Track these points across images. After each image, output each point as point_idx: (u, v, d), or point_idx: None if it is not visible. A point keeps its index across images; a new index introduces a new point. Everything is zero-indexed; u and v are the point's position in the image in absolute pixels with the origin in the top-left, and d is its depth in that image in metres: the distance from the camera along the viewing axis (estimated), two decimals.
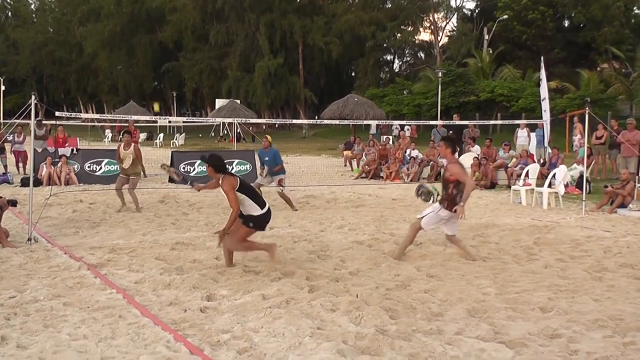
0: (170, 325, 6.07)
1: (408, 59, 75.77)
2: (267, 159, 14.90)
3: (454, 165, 8.97)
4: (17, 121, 11.98)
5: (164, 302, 6.83)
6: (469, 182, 8.81)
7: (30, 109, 10.17)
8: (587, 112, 14.49)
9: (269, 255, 8.41)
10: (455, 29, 65.87)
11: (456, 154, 9.32)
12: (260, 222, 8.30)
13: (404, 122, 37.47)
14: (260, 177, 15.34)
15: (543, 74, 22.92)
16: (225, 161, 19.09)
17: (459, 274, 8.22)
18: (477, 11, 64.79)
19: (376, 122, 36.43)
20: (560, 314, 6.48)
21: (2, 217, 10.09)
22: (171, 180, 10.13)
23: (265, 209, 8.28)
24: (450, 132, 24.83)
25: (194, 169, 20.25)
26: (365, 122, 36.91)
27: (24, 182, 18.10)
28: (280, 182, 14.57)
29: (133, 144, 14.51)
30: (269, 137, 15.37)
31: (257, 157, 21.69)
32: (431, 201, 9.35)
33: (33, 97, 10.07)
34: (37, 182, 18.32)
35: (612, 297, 7.19)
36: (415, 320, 6.24)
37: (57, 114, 12.49)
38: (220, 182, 8.20)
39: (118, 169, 19.13)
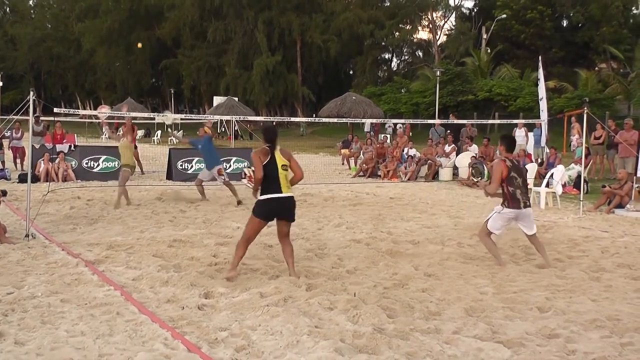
0: (168, 322, 6.07)
1: (406, 57, 75.70)
2: (200, 146, 15.28)
3: (497, 162, 8.87)
4: (15, 117, 11.97)
5: (162, 299, 6.83)
6: (491, 187, 8.76)
7: (29, 105, 10.16)
8: (585, 112, 14.50)
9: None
10: (453, 27, 65.88)
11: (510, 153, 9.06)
12: (259, 208, 7.76)
13: (397, 121, 37.46)
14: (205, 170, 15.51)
15: (541, 73, 22.93)
16: (224, 158, 19.19)
17: (457, 273, 8.23)
18: (475, 10, 64.77)
19: (370, 120, 36.37)
20: (558, 314, 6.49)
21: None
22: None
23: (267, 196, 7.70)
24: (448, 131, 24.88)
25: (192, 166, 20.22)
26: (362, 120, 36.84)
27: (22, 179, 18.10)
28: (220, 171, 15.06)
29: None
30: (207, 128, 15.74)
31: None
32: (477, 180, 9.31)
33: (31, 93, 10.06)
34: (35, 179, 18.31)
35: (610, 297, 7.21)
36: (413, 319, 6.25)
37: (55, 110, 12.49)
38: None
39: (117, 165, 19.27)
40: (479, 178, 8.94)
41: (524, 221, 8.80)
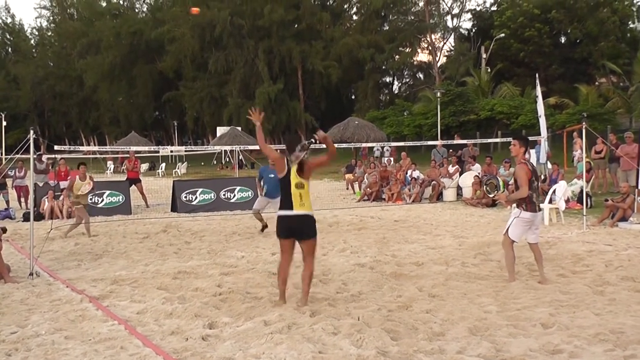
0: (172, 354, 6.07)
1: (407, 80, 76.02)
2: (272, 176, 13.76)
3: (520, 167, 8.82)
4: (17, 156, 12.06)
5: (166, 331, 6.83)
6: (522, 192, 8.68)
7: (29, 143, 10.23)
8: (584, 127, 14.54)
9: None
10: (452, 48, 66.16)
11: (527, 155, 9.12)
12: (276, 225, 7.77)
13: (383, 144, 37.47)
14: (260, 198, 14.74)
15: (539, 91, 22.98)
16: (228, 188, 19.16)
17: (461, 293, 8.22)
18: (474, 30, 65.11)
19: (353, 144, 36.40)
20: (562, 329, 6.47)
21: (2, 248, 10.08)
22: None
23: (280, 212, 7.69)
24: (452, 150, 24.91)
25: (196, 198, 20.29)
26: (356, 145, 36.84)
27: (26, 217, 18.13)
28: None
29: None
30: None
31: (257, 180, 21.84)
32: (492, 194, 9.38)
33: (31, 131, 10.15)
34: (40, 217, 18.38)
35: (614, 310, 7.19)
36: (416, 341, 6.23)
37: (56, 147, 12.59)
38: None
39: (121, 199, 19.34)
40: (496, 191, 8.98)
41: (535, 226, 8.87)
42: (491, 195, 9.44)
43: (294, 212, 7.58)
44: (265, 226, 14.56)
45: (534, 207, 8.70)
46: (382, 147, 38.51)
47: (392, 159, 32.99)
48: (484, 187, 8.95)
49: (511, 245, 8.89)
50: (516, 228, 8.81)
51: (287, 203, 7.62)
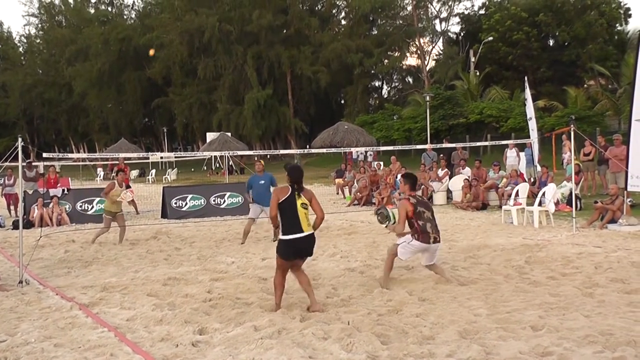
0: None
1: (396, 84, 76.19)
2: (262, 182, 14.35)
3: (400, 203, 9.11)
4: (6, 164, 12.02)
5: (156, 338, 6.81)
6: (397, 227, 9.03)
7: (18, 151, 10.20)
8: (572, 129, 14.60)
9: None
10: (441, 52, 66.37)
11: (414, 191, 9.29)
12: (282, 248, 7.73)
13: (365, 149, 37.54)
14: (254, 206, 14.51)
15: (528, 93, 23.08)
16: (218, 194, 19.10)
17: (451, 297, 8.24)
18: (462, 34, 65.43)
19: (343, 149, 36.49)
20: (551, 332, 6.49)
21: None
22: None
23: (289, 237, 7.65)
24: (442, 155, 24.96)
25: (186, 204, 20.26)
26: (345, 149, 36.89)
27: (16, 225, 18.05)
28: None
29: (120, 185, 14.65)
30: (262, 160, 15.26)
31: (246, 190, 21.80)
32: (385, 225, 9.51)
33: (19, 139, 10.12)
34: (29, 224, 18.31)
35: (603, 312, 7.22)
36: (406, 345, 6.23)
37: (44, 155, 12.55)
38: None
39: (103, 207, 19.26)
40: (387, 222, 9.04)
41: (429, 255, 9.03)
42: (383, 226, 9.54)
43: (305, 233, 7.66)
44: (242, 243, 14.10)
45: (426, 237, 8.80)
46: (366, 152, 38.61)
47: (381, 163, 33.00)
48: (377, 217, 9.07)
49: (393, 256, 9.09)
50: (404, 249, 8.99)
51: (295, 224, 7.64)
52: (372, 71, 67.53)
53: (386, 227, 9.53)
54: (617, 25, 54.09)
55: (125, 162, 23.65)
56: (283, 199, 7.67)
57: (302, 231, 7.63)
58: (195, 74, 66.98)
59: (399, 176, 23.31)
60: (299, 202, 7.68)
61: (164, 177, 46.56)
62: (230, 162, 44.54)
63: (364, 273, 10.06)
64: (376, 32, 68.04)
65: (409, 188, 9.12)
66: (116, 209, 14.52)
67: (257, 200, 14.40)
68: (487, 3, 61.15)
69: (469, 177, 21.49)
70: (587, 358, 5.73)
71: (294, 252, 7.74)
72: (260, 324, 7.11)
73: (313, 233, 7.79)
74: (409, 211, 8.78)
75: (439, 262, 10.36)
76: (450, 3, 64.69)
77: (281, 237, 7.73)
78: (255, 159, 15.69)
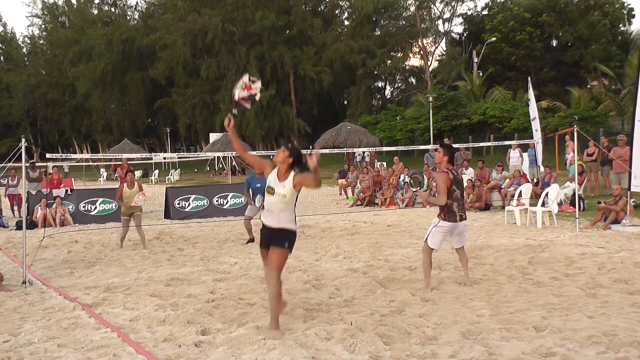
0: None
1: (399, 84, 76.16)
2: (258, 185, 13.89)
3: (440, 174, 8.86)
4: (9, 164, 12.04)
5: (159, 338, 6.82)
6: (440, 199, 8.74)
7: (21, 152, 10.22)
8: (575, 130, 14.59)
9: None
10: (444, 53, 66.36)
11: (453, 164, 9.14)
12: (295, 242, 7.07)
13: (364, 149, 37.51)
14: (250, 207, 14.30)
15: (531, 94, 23.07)
16: (221, 194, 19.05)
17: (454, 297, 8.23)
18: (465, 35, 65.34)
19: (346, 150, 36.46)
20: (554, 332, 6.48)
21: None
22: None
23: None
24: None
25: (189, 204, 20.28)
26: (348, 150, 36.86)
27: (19, 226, 18.09)
28: None
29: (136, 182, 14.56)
30: None
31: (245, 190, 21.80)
32: (416, 189, 9.38)
33: (23, 140, 10.13)
34: (32, 225, 18.34)
35: (606, 313, 7.21)
36: (409, 345, 6.23)
37: (47, 155, 12.57)
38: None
39: (114, 207, 19.28)
40: (418, 187, 8.99)
41: (458, 235, 8.94)
42: (413, 190, 9.49)
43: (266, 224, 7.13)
44: (251, 240, 14.05)
45: (453, 216, 8.71)
46: (363, 153, 38.64)
47: (384, 164, 32.98)
48: (409, 179, 9.07)
49: (430, 252, 8.93)
50: (434, 237, 8.86)
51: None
52: (375, 72, 67.46)
53: (415, 191, 9.39)
54: (621, 25, 53.98)
55: (128, 162, 23.62)
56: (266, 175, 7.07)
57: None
58: (198, 74, 66.98)
59: (401, 176, 23.40)
60: (267, 185, 7.01)
61: (167, 177, 46.58)
62: (233, 163, 44.55)
63: (366, 274, 10.05)
64: (379, 33, 67.96)
65: (447, 161, 8.89)
66: (132, 209, 14.32)
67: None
68: (490, 3, 61.09)
69: (472, 177, 21.48)
70: (591, 359, 5.72)
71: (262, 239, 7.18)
72: (263, 324, 7.10)
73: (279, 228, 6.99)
74: (447, 184, 8.64)
75: (441, 263, 10.39)
76: (453, 4, 64.72)
77: (294, 228, 7.07)
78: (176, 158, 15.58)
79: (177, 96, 70.10)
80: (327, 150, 33.27)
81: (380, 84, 75.29)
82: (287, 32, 66.29)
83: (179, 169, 51.38)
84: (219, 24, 62.60)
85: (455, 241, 9.05)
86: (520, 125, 42.27)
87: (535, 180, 20.77)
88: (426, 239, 8.95)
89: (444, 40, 67.61)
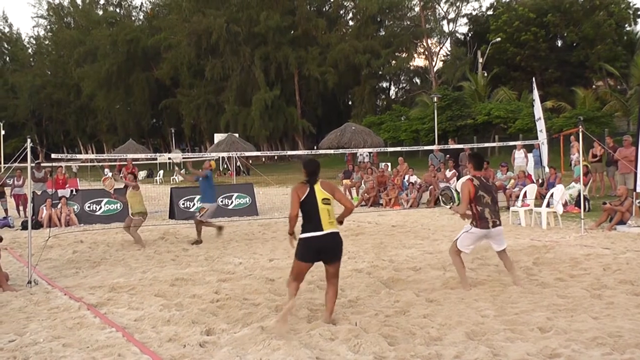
0: None
1: (404, 85, 76.20)
2: (200, 179, 15.03)
3: (463, 183, 8.89)
4: (15, 165, 12.05)
5: (164, 338, 6.82)
6: (460, 207, 8.76)
7: (27, 152, 10.23)
8: (581, 130, 14.56)
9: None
10: (449, 53, 66.31)
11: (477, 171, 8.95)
12: (299, 248, 7.06)
13: (365, 150, 37.51)
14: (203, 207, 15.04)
15: (536, 94, 23.01)
16: (226, 195, 19.10)
17: (458, 298, 8.22)
18: (470, 35, 65.35)
19: (350, 150, 36.47)
20: (559, 334, 6.46)
21: (1, 256, 10.08)
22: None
23: (306, 235, 7.00)
24: (448, 156, 24.88)
25: (194, 205, 20.28)
26: (352, 150, 36.87)
27: (25, 225, 18.12)
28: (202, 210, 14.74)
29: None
30: (213, 163, 15.61)
31: (255, 190, 21.82)
32: (449, 206, 9.34)
33: (28, 140, 10.15)
34: (38, 225, 18.38)
35: (612, 314, 7.18)
36: (414, 346, 6.22)
37: (53, 156, 12.58)
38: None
39: (119, 207, 19.34)
40: (451, 203, 8.90)
41: (493, 239, 8.86)
42: (447, 207, 9.38)
43: (326, 231, 7.02)
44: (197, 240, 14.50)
45: (485, 223, 8.61)
46: (364, 153, 38.71)
47: (388, 164, 32.97)
48: (440, 197, 9.04)
49: (458, 253, 8.87)
50: (463, 241, 8.81)
51: (314, 223, 6.99)
52: (380, 72, 67.54)
53: (450, 208, 9.36)
54: (626, 25, 53.95)
55: (133, 162, 23.65)
56: (303, 197, 7.06)
57: (321, 229, 6.98)
58: (202, 75, 67.12)
59: (406, 177, 23.38)
60: (319, 198, 7.05)
61: (171, 178, 46.60)
62: (238, 163, 44.54)
63: (371, 274, 10.04)
64: (384, 33, 68.02)
65: (472, 167, 8.87)
66: (143, 208, 14.51)
67: (209, 196, 14.91)
68: (495, 4, 61.07)
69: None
70: None
71: (312, 252, 7.02)
72: (267, 324, 7.10)
73: (335, 232, 7.10)
74: (470, 192, 8.59)
75: (446, 264, 10.37)
76: (457, 4, 64.78)
77: (300, 235, 7.08)
78: (208, 160, 16.03)
79: (182, 97, 70.30)
80: (331, 151, 33.34)
81: (384, 85, 75.41)
82: (292, 32, 66.42)
83: (183, 170, 51.37)
84: (223, 25, 62.73)
85: (495, 245, 8.95)
86: (525, 125, 42.22)
87: (540, 181, 20.73)
88: (455, 240, 8.93)
89: (448, 41, 67.68)
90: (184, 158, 45.09)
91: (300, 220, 7.14)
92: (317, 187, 7.15)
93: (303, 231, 7.06)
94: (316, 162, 7.46)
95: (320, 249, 7.03)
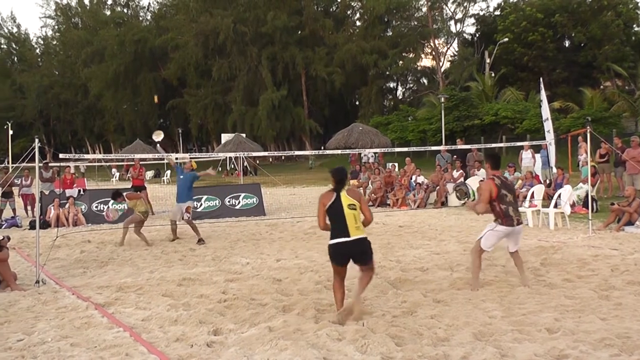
0: None
1: (411, 85, 76.12)
2: (181, 177, 15.24)
3: (485, 182, 8.94)
4: (23, 164, 12.09)
5: (171, 338, 6.83)
6: (479, 207, 8.78)
7: (35, 152, 10.26)
8: (588, 130, 14.52)
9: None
10: (456, 53, 66.24)
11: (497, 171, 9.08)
12: (329, 252, 7.37)
13: (370, 150, 37.41)
14: (175, 207, 15.38)
15: (543, 94, 22.96)
16: (233, 195, 19.18)
17: (466, 298, 8.21)
18: (477, 35, 65.26)
19: (358, 150, 36.40)
20: (567, 334, 6.45)
21: (9, 256, 10.11)
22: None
23: (333, 241, 7.29)
24: (455, 156, 24.86)
25: (201, 205, 20.29)
26: (360, 150, 36.84)
27: (33, 225, 18.16)
28: (188, 209, 14.87)
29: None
30: (194, 163, 15.78)
31: (262, 191, 21.80)
32: (463, 202, 9.35)
33: (36, 140, 10.18)
34: (46, 224, 18.42)
35: (620, 315, 7.17)
36: (421, 347, 6.22)
37: (60, 156, 12.62)
38: None
39: (126, 207, 19.38)
40: (465, 199, 8.94)
41: (514, 238, 8.85)
42: (461, 202, 9.42)
43: (353, 237, 7.24)
44: (174, 239, 15.04)
45: (510, 221, 8.63)
46: (369, 153, 38.70)
47: (395, 165, 32.94)
48: (455, 193, 9.06)
49: (480, 253, 8.87)
50: (488, 239, 8.80)
51: (341, 229, 7.24)
52: (387, 72, 67.49)
53: (464, 204, 9.37)
54: (634, 25, 53.78)
55: (140, 162, 23.68)
56: (329, 204, 7.31)
57: (348, 235, 7.20)
58: (210, 75, 67.17)
59: (413, 177, 23.36)
60: (345, 204, 7.28)
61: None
62: (245, 163, 44.56)
63: (378, 274, 9.97)
64: (391, 34, 67.95)
65: (490, 167, 8.97)
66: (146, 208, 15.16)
67: (177, 195, 15.23)
68: (502, 4, 60.97)
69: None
70: None
71: (340, 256, 7.30)
72: (274, 324, 7.12)
73: (363, 237, 7.31)
74: (492, 192, 8.59)
75: (453, 264, 10.36)
76: (465, 4, 64.64)
77: (329, 241, 7.36)
78: (189, 159, 16.25)
79: (189, 97, 70.38)
80: (338, 151, 33.34)
81: (392, 85, 75.35)
82: (299, 32, 66.43)
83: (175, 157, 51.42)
84: (230, 25, 62.76)
85: (512, 244, 8.94)
86: (532, 126, 42.11)
87: (547, 182, 20.68)
88: (479, 239, 8.91)
89: (455, 41, 67.56)
90: (191, 158, 45.11)
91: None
92: (343, 194, 7.39)
93: (332, 237, 7.34)
94: (344, 171, 7.68)
95: (349, 254, 7.34)
